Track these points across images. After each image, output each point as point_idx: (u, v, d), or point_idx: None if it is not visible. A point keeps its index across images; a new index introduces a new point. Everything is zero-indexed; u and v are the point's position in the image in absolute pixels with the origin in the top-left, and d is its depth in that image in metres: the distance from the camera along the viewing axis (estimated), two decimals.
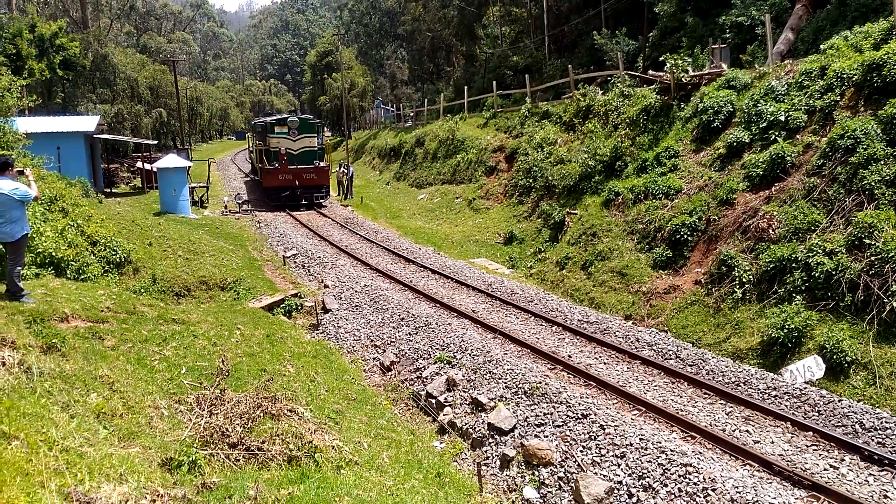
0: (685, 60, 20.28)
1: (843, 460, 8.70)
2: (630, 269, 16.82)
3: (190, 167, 33.35)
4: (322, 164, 34.40)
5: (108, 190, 35.12)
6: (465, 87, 43.33)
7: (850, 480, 8.25)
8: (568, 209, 21.59)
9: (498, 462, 9.57)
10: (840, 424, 9.53)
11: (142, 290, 15.54)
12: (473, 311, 15.83)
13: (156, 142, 52.69)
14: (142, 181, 38.35)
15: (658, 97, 21.17)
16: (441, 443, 10.49)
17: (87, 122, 34.15)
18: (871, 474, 8.35)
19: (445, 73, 69.04)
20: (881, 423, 9.31)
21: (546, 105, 29.92)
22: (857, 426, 9.38)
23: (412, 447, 9.71)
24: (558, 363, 12.31)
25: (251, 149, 45.30)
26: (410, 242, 24.89)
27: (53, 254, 13.15)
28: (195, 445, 6.36)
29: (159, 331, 10.44)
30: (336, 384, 11.59)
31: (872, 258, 11.51)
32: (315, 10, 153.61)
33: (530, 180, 25.62)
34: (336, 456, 7.40)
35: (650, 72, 24.02)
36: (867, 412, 9.65)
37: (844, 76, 14.89)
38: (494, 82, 38.38)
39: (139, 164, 40.68)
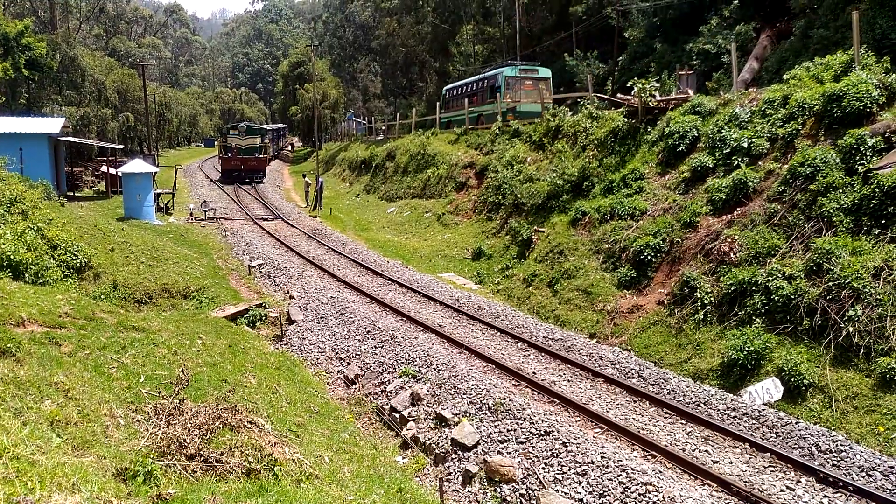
0: (652, 85, 20.68)
1: (799, 482, 8.85)
2: (595, 287, 16.98)
3: (156, 173, 32.93)
4: (261, 156, 50.76)
5: (71, 193, 34.45)
6: (438, 103, 43.56)
7: (806, 502, 8.39)
8: (536, 227, 21.76)
9: (460, 478, 9.53)
10: (797, 446, 9.70)
11: (102, 296, 15.25)
12: (440, 325, 15.82)
13: (122, 146, 51.88)
14: (106, 186, 37.69)
15: (626, 120, 21.51)
16: (404, 458, 10.42)
17: (51, 124, 33.53)
18: (825, 496, 8.50)
19: (418, 88, 69.42)
20: (836, 445, 9.50)
21: (516, 123, 30.19)
22: (813, 448, 9.55)
23: (374, 462, 9.63)
24: (523, 380, 12.35)
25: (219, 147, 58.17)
26: (379, 255, 24.83)
27: (11, 256, 12.85)
28: (151, 456, 6.22)
29: (118, 338, 10.23)
30: (298, 397, 11.46)
31: (830, 284, 11.79)
32: (289, 21, 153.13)
33: (499, 197, 25.78)
34: (296, 469, 7.30)
35: (619, 95, 24.45)
36: (823, 434, 9.84)
37: (806, 106, 15.30)
38: (466, 99, 38.67)
39: (104, 169, 40.00)
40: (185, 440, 6.83)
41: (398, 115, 52.18)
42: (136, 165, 29.74)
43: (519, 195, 24.04)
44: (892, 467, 8.87)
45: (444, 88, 40.66)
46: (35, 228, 15.47)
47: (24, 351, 7.99)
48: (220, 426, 7.38)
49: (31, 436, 5.49)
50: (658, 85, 21.57)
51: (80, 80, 52.68)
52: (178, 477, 6.28)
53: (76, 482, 4.84)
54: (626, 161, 20.38)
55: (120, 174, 31.31)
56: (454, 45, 60.35)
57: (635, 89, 20.70)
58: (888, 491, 8.48)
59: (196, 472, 6.49)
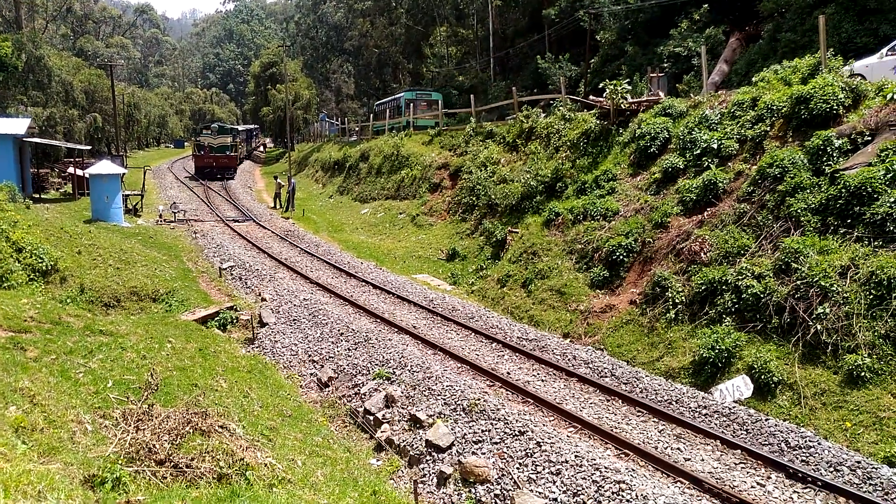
0: (624, 87, 20.84)
1: (769, 478, 8.97)
2: (568, 287, 17.08)
3: (124, 174, 32.43)
4: (232, 154, 54.85)
5: (37, 195, 33.75)
6: (411, 104, 43.52)
7: (776, 497, 8.51)
8: (510, 228, 21.82)
9: (435, 479, 9.51)
10: (767, 443, 9.84)
11: (69, 300, 14.96)
12: (414, 326, 15.78)
13: (89, 147, 50.97)
14: (73, 187, 37.00)
15: (598, 122, 21.67)
16: (378, 460, 10.37)
17: (16, 125, 32.81)
18: (795, 491, 8.63)
19: (392, 89, 69.22)
20: (805, 441, 9.65)
21: (490, 125, 30.27)
22: (782, 445, 9.70)
23: (348, 465, 9.57)
24: (497, 380, 12.36)
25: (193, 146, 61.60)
26: (352, 257, 24.70)
27: None
28: (120, 462, 6.11)
29: (85, 342, 10.05)
30: (271, 400, 11.35)
31: (798, 282, 11.98)
32: (260, 21, 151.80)
33: (474, 198, 25.82)
34: (268, 474, 7.23)
35: (591, 97, 24.60)
36: (792, 431, 9.99)
37: (774, 108, 15.55)
38: (440, 101, 38.65)
39: (71, 170, 39.27)
40: (154, 445, 6.73)
41: (371, 116, 52.03)
42: (104, 167, 29.25)
43: (493, 196, 24.10)
44: (858, 462, 9.04)
45: (375, 104, 53.15)
46: None
47: None
48: (191, 431, 7.28)
49: None
50: (629, 87, 21.77)
51: (47, 81, 51.59)
52: (148, 483, 6.18)
53: (42, 490, 4.75)
54: (599, 162, 20.53)
55: (87, 176, 30.77)
56: (428, 46, 60.37)
57: (607, 91, 20.86)
58: (855, 485, 8.64)
59: (166, 477, 6.39)
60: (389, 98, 49.28)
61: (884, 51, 16.23)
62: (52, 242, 17.59)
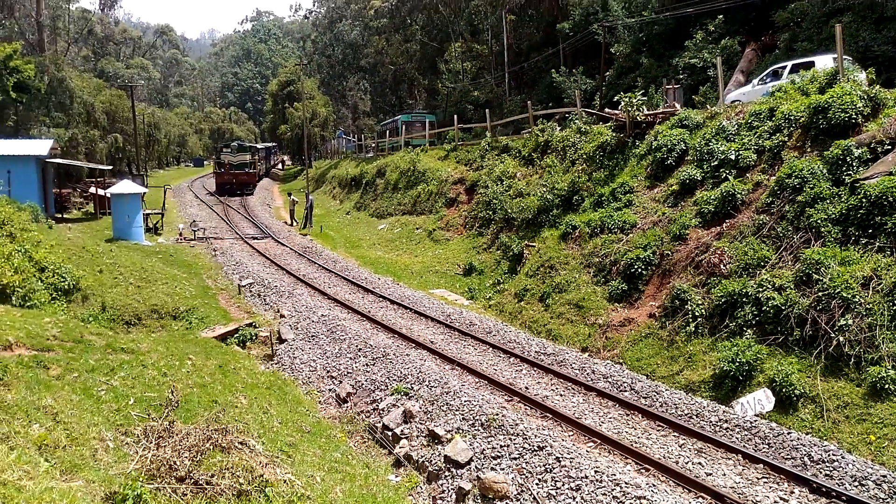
0: (639, 99, 20.80)
1: (792, 493, 8.84)
2: (586, 301, 17.00)
3: (145, 193, 32.87)
4: (251, 171, 57.31)
5: (60, 215, 34.29)
6: (427, 120, 43.91)
7: None
8: (526, 242, 21.79)
9: (454, 496, 9.47)
10: (789, 457, 9.70)
11: (90, 318, 15.14)
12: (432, 342, 15.77)
13: (110, 167, 51.76)
14: (95, 207, 37.56)
15: (614, 134, 21.64)
16: (396, 476, 10.35)
17: (39, 146, 33.43)
18: None
19: (408, 105, 69.68)
20: (829, 455, 9.50)
21: (506, 139, 30.32)
22: (805, 459, 9.55)
23: (367, 481, 9.56)
24: (515, 395, 12.31)
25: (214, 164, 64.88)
26: (370, 272, 24.78)
27: None
28: (141, 479, 6.15)
29: (107, 360, 10.15)
30: (290, 416, 11.39)
31: (819, 294, 11.84)
32: (277, 40, 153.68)
33: (490, 212, 25.84)
34: (288, 490, 7.23)
35: (606, 109, 24.59)
36: (815, 445, 9.84)
37: (792, 118, 15.45)
38: (455, 116, 38.85)
39: (92, 190, 39.88)
40: (175, 462, 6.76)
41: (388, 134, 52.41)
42: (125, 186, 29.67)
43: (509, 210, 24.10)
44: (884, 476, 8.88)
45: (381, 125, 58.21)
46: (23, 251, 15.39)
47: (12, 375, 7.92)
48: (211, 447, 7.31)
49: (18, 461, 5.44)
50: (645, 99, 21.74)
51: (69, 102, 52.51)
52: (168, 500, 6.21)
53: None
54: (615, 175, 20.48)
55: (109, 195, 31.22)
56: (443, 62, 60.68)
57: (622, 104, 20.84)
58: (881, 500, 8.49)
59: (186, 494, 6.42)
60: (390, 120, 54.91)
61: (755, 81, 19.34)
62: (73, 261, 17.84)
